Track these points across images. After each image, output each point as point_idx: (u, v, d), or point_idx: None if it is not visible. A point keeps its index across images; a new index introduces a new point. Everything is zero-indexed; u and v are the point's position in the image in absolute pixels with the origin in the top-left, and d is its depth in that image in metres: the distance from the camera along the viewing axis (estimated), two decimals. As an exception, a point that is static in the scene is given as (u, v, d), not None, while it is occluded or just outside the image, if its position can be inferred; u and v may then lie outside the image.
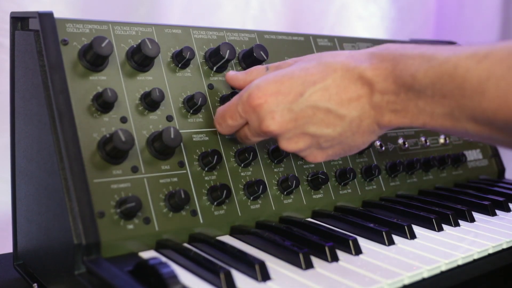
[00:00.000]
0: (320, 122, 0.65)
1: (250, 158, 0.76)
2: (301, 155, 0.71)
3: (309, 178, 0.83)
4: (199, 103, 0.74)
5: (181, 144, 0.72)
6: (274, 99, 0.65)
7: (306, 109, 0.64)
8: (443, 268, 0.67)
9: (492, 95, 0.53)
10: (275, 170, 0.80)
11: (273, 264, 0.64)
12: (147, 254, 0.65)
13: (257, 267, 0.59)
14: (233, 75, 0.77)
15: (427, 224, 0.80)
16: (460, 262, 0.70)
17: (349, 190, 0.88)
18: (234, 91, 0.80)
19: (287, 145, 0.68)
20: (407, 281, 0.63)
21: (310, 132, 0.66)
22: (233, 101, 0.70)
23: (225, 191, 0.71)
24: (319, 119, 0.65)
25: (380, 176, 0.93)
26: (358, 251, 0.69)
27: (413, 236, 0.75)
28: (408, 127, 0.64)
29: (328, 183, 0.85)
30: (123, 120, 0.69)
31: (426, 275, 0.65)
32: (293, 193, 0.81)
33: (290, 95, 0.65)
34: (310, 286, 0.59)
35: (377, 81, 0.62)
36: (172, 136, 0.68)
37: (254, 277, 0.59)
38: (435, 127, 0.61)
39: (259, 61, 0.83)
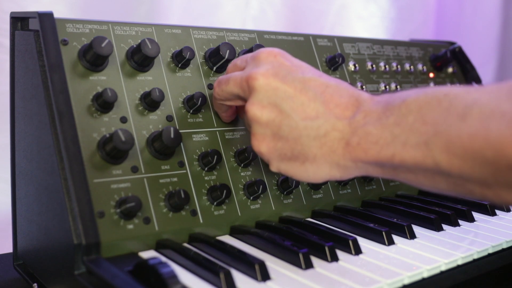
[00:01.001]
0: (298, 106, 0.62)
1: (250, 158, 0.76)
2: (252, 130, 0.66)
3: (309, 178, 0.83)
4: (199, 103, 0.74)
5: (181, 144, 0.72)
6: (281, 61, 0.65)
7: (297, 83, 0.63)
8: (443, 268, 0.67)
9: (473, 120, 0.51)
10: (275, 170, 0.80)
11: (273, 264, 0.64)
12: (147, 254, 0.65)
13: (257, 267, 0.59)
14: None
15: (427, 224, 0.80)
16: (460, 262, 0.70)
17: (349, 190, 0.88)
18: None
19: (253, 104, 0.64)
20: (407, 281, 0.63)
21: (283, 107, 0.62)
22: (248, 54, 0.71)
23: (225, 191, 0.71)
24: (299, 102, 0.62)
25: (380, 176, 0.93)
26: (358, 251, 0.69)
27: (413, 236, 0.75)
28: (371, 162, 0.58)
29: (328, 183, 0.85)
30: (123, 120, 0.69)
31: (426, 275, 0.65)
32: (293, 193, 0.81)
33: (294, 68, 0.64)
34: (310, 286, 0.59)
35: (368, 104, 0.60)
36: (172, 136, 0.68)
37: (254, 277, 0.59)
38: (403, 160, 0.56)
39: (259, 61, 0.83)
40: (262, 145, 0.65)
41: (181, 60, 0.76)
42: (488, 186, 0.52)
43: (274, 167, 0.66)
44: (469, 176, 0.53)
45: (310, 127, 0.61)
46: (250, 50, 0.82)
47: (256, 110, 0.64)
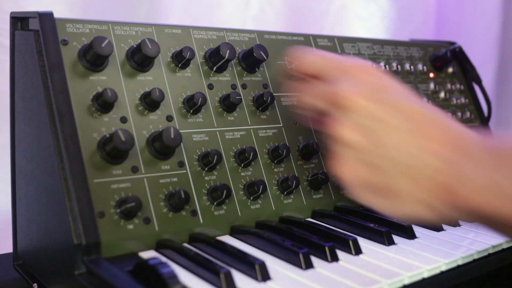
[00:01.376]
0: (394, 136, 0.55)
1: (250, 158, 0.76)
2: (335, 151, 0.60)
3: (309, 178, 0.83)
4: (199, 103, 0.74)
5: (181, 144, 0.72)
6: (371, 80, 0.59)
7: (389, 107, 0.56)
8: (443, 268, 0.67)
9: None
10: (275, 170, 0.80)
11: (273, 264, 0.64)
12: (147, 254, 0.65)
13: (257, 267, 0.59)
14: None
15: (428, 224, 0.80)
16: (460, 262, 0.70)
17: (349, 190, 0.88)
18: (234, 90, 0.80)
19: (342, 127, 0.58)
20: (407, 281, 0.63)
21: (377, 134, 0.56)
22: (337, 56, 0.65)
23: (225, 191, 0.71)
24: (392, 126, 0.55)
25: (380, 176, 0.93)
26: (358, 251, 0.69)
27: (413, 236, 0.75)
28: (475, 214, 0.52)
29: (328, 183, 0.85)
30: (123, 120, 0.69)
31: (426, 275, 0.65)
32: (293, 193, 0.81)
33: (385, 87, 0.59)
34: (310, 286, 0.59)
35: (472, 145, 0.54)
36: (172, 136, 0.68)
37: (254, 277, 0.59)
38: (509, 217, 0.50)
39: (259, 61, 0.83)
40: (345, 170, 0.59)
41: (181, 60, 0.76)
42: None
43: (355, 195, 0.61)
44: None
45: (404, 162, 0.55)
46: (250, 50, 0.82)
47: (346, 132, 0.58)
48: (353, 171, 0.58)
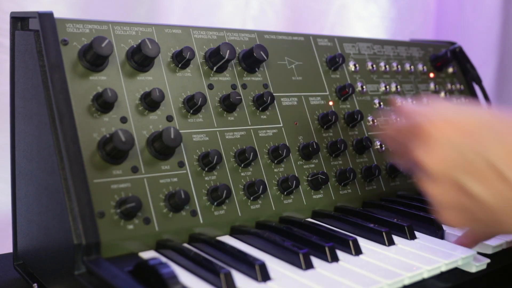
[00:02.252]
0: (483, 181, 0.56)
1: (250, 158, 0.76)
2: (439, 209, 0.62)
3: (309, 178, 0.83)
4: (199, 103, 0.74)
5: (181, 144, 0.72)
6: (450, 137, 0.59)
7: (479, 160, 0.57)
8: (443, 269, 0.67)
9: None
10: (275, 170, 0.80)
11: (273, 264, 0.64)
12: (147, 254, 0.65)
13: (257, 267, 0.59)
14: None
15: (428, 224, 0.79)
16: (460, 263, 0.69)
17: (349, 190, 0.88)
18: (234, 91, 0.80)
19: (437, 192, 0.60)
20: (407, 282, 0.63)
21: (472, 190, 0.57)
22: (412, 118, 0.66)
23: (225, 191, 0.71)
24: (484, 178, 0.56)
25: (380, 176, 0.93)
26: (358, 251, 0.69)
27: (413, 236, 0.75)
28: None
29: (328, 183, 0.85)
30: (123, 120, 0.69)
31: (426, 275, 0.65)
32: (293, 193, 0.81)
33: (467, 138, 0.58)
34: (310, 286, 0.59)
35: None
36: (172, 136, 0.68)
37: (254, 277, 0.59)
38: None
39: (259, 61, 0.83)
40: (454, 223, 0.63)
41: (181, 60, 0.76)
42: None
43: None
44: None
45: (503, 205, 0.57)
46: (250, 50, 0.82)
47: (442, 196, 0.61)
48: (461, 222, 0.63)
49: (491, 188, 0.57)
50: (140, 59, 0.72)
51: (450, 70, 1.18)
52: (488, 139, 0.58)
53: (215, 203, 0.72)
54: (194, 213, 0.70)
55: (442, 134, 0.59)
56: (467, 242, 0.72)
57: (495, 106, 1.43)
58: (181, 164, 0.72)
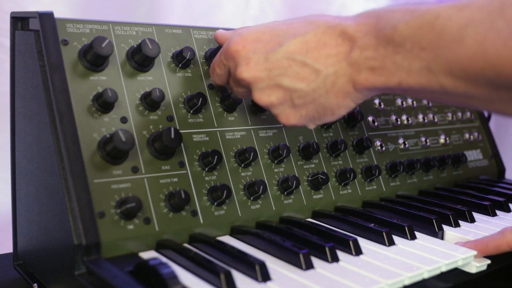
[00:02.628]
0: (295, 75, 0.64)
1: (250, 158, 0.76)
2: (274, 113, 0.69)
3: (309, 178, 0.83)
4: (199, 103, 0.74)
5: (181, 144, 0.72)
6: (252, 46, 0.66)
7: (282, 59, 0.64)
8: (443, 269, 0.67)
9: (470, 41, 0.51)
10: (275, 170, 0.80)
11: (274, 264, 0.64)
12: (147, 255, 0.65)
13: (257, 267, 0.59)
14: (222, 33, 0.79)
15: (428, 225, 0.80)
16: (460, 263, 0.69)
17: (349, 190, 0.88)
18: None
19: (260, 96, 0.67)
20: (407, 282, 0.63)
21: (283, 84, 0.65)
22: (220, 51, 0.73)
23: (225, 191, 0.71)
24: (294, 72, 0.64)
25: (380, 176, 0.93)
26: (358, 251, 0.69)
27: (413, 236, 0.75)
28: (382, 89, 0.62)
29: (328, 183, 0.85)
30: (123, 120, 0.69)
31: (426, 275, 0.65)
32: (293, 193, 0.81)
33: (268, 44, 0.65)
34: (311, 287, 0.59)
35: (359, 37, 0.61)
36: (172, 136, 0.68)
37: (255, 278, 0.59)
38: (411, 86, 0.58)
39: (259, 61, 0.83)
40: (289, 119, 0.69)
41: (181, 60, 0.76)
42: (491, 102, 0.55)
43: (312, 126, 0.72)
44: (473, 95, 0.55)
45: (317, 87, 0.64)
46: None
47: (264, 99, 0.67)
48: (294, 117, 0.68)
49: (299, 78, 0.64)
50: (140, 59, 0.72)
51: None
52: (283, 39, 0.65)
53: (215, 203, 0.72)
54: (194, 213, 0.70)
55: (246, 49, 0.66)
56: (471, 247, 0.72)
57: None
58: (181, 164, 0.72)
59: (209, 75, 0.80)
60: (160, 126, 0.72)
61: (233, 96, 0.78)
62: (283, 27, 0.67)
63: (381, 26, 0.59)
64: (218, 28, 0.84)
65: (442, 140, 1.09)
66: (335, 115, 0.68)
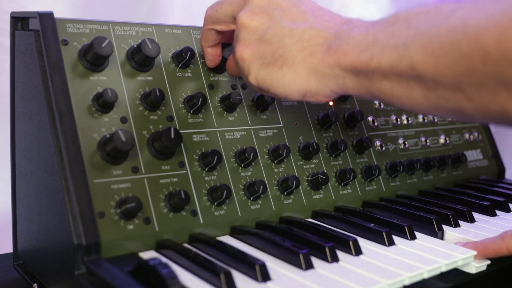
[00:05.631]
0: (288, 14, 0.64)
1: (250, 158, 0.76)
2: (239, 37, 0.67)
3: (309, 178, 0.83)
4: (199, 103, 0.74)
5: (181, 144, 0.72)
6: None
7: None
8: (443, 269, 0.67)
9: (455, 20, 0.51)
10: (275, 170, 0.80)
11: (273, 264, 0.64)
12: (147, 255, 0.65)
13: (257, 267, 0.59)
14: None
15: (427, 225, 0.80)
16: (460, 263, 0.69)
17: (349, 190, 0.88)
18: (235, 91, 0.80)
19: (245, 13, 0.66)
20: (407, 282, 0.63)
21: (273, 15, 0.65)
22: None
23: (225, 191, 0.71)
24: (289, 12, 0.64)
25: (380, 176, 0.93)
26: (358, 251, 0.69)
27: (413, 236, 0.75)
28: (352, 65, 0.59)
29: (328, 183, 0.85)
30: (123, 120, 0.69)
31: (426, 275, 0.65)
32: (293, 193, 0.81)
33: None
34: (311, 287, 0.59)
35: (360, 21, 0.62)
36: (172, 136, 0.68)
37: (254, 278, 0.59)
38: (379, 63, 0.56)
39: (259, 61, 0.83)
40: (245, 50, 0.65)
41: (181, 60, 0.76)
42: (461, 89, 0.52)
43: (253, 77, 0.66)
44: (442, 77, 0.52)
45: (295, 31, 0.63)
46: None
47: (246, 17, 0.66)
48: (251, 50, 0.65)
49: (289, 17, 0.64)
50: (140, 59, 0.72)
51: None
52: None
53: (215, 203, 0.72)
54: (194, 213, 0.70)
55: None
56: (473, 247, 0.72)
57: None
58: (181, 164, 0.72)
59: (209, 75, 0.80)
60: (160, 126, 0.72)
61: (233, 97, 0.78)
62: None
63: (389, 13, 0.60)
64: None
65: (442, 140, 1.09)
66: (280, 74, 0.64)
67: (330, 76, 0.61)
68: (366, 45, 0.58)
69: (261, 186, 0.75)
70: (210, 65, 0.79)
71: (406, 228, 0.75)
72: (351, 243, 0.69)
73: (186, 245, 0.69)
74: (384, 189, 0.94)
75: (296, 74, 0.63)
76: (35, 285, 0.73)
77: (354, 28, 0.60)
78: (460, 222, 0.83)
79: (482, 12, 0.50)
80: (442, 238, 0.79)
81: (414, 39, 0.54)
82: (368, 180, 0.91)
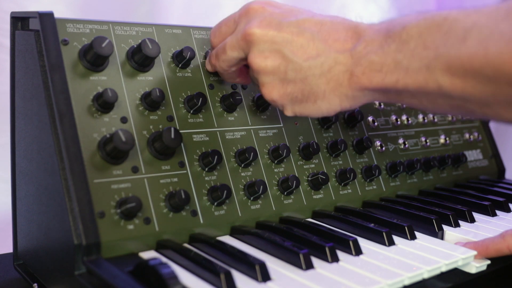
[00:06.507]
0: (298, 47, 0.64)
1: (250, 158, 0.76)
2: (261, 81, 0.68)
3: (309, 178, 0.83)
4: (199, 103, 0.74)
5: (181, 144, 0.72)
6: (271, 10, 0.67)
7: (293, 28, 0.65)
8: (443, 269, 0.67)
9: (473, 41, 0.52)
10: (275, 170, 0.80)
11: (274, 264, 0.64)
12: (147, 255, 0.65)
13: (257, 267, 0.59)
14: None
15: (428, 225, 0.80)
16: (460, 263, 0.70)
17: (349, 190, 0.88)
18: (235, 91, 0.80)
19: (256, 57, 0.67)
20: (407, 282, 0.63)
21: (284, 52, 0.65)
22: (233, 13, 0.73)
23: (225, 191, 0.71)
24: (298, 44, 0.64)
25: (380, 176, 0.93)
26: (358, 251, 0.69)
27: (413, 236, 0.75)
28: (377, 89, 0.62)
29: (328, 183, 0.85)
30: (124, 120, 0.69)
31: (426, 275, 0.65)
32: (293, 193, 0.81)
33: (286, 13, 0.67)
34: (310, 287, 0.59)
35: (368, 33, 0.62)
36: (172, 136, 0.68)
37: (255, 278, 0.59)
38: (407, 85, 0.58)
39: (259, 61, 0.83)
40: (272, 92, 0.68)
41: (181, 60, 0.76)
42: (488, 105, 0.55)
43: (289, 111, 0.69)
44: (470, 96, 0.55)
45: (314, 66, 0.64)
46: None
47: (259, 61, 0.66)
48: (278, 92, 0.67)
49: (301, 51, 0.64)
50: (140, 59, 0.72)
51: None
52: (301, 15, 0.66)
53: (215, 203, 0.72)
54: (194, 213, 0.70)
55: (264, 9, 0.67)
56: (474, 247, 0.72)
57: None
58: (181, 164, 0.72)
59: (209, 75, 0.80)
60: (160, 126, 0.72)
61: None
62: (305, 10, 0.68)
63: (392, 26, 0.60)
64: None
65: (442, 140, 1.09)
66: (316, 106, 0.67)
67: (361, 96, 0.64)
68: (388, 68, 0.59)
69: (261, 186, 0.75)
70: (247, 84, 0.81)
71: (406, 228, 0.75)
72: (351, 243, 0.69)
73: (186, 245, 0.69)
74: (384, 189, 0.94)
75: (330, 103, 0.66)
76: (35, 285, 0.73)
77: (368, 47, 0.61)
78: (460, 222, 0.83)
79: (499, 35, 0.51)
80: (442, 238, 0.79)
81: (435, 61, 0.55)
82: (368, 180, 0.91)
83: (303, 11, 0.68)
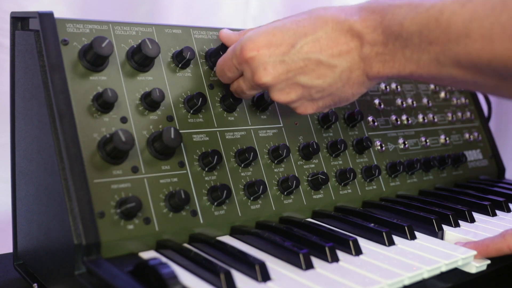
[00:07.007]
0: (311, 73, 0.67)
1: (250, 158, 0.76)
2: (292, 107, 0.72)
3: (309, 178, 0.83)
4: (199, 103, 0.74)
5: (181, 144, 0.72)
6: (266, 51, 0.67)
7: (298, 60, 0.66)
8: (443, 269, 0.67)
9: (476, 36, 0.54)
10: (275, 170, 0.80)
11: (273, 264, 0.64)
12: (147, 255, 0.65)
13: (257, 267, 0.59)
14: (227, 33, 0.80)
15: (427, 225, 0.80)
16: (460, 263, 0.70)
17: (349, 190, 0.88)
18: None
19: (279, 96, 0.70)
20: (407, 282, 0.63)
21: (301, 82, 0.68)
22: (228, 53, 0.73)
23: (225, 191, 0.71)
24: (310, 70, 0.67)
25: (380, 176, 0.93)
26: (358, 251, 0.69)
27: (413, 236, 0.75)
28: (396, 77, 0.66)
29: (328, 183, 0.85)
30: (123, 120, 0.69)
31: (426, 275, 0.65)
32: (293, 193, 0.81)
33: (281, 46, 0.67)
34: (310, 287, 0.59)
35: (367, 33, 0.64)
36: (172, 136, 0.68)
37: (254, 278, 0.59)
38: (422, 76, 0.62)
39: (259, 61, 0.83)
40: (307, 110, 0.73)
41: (181, 60, 0.76)
42: (499, 88, 0.59)
43: (327, 111, 0.80)
44: (481, 84, 0.59)
45: (333, 82, 0.68)
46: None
47: (283, 98, 0.70)
48: (312, 108, 0.73)
49: (316, 75, 0.67)
50: (140, 59, 0.72)
51: (450, 70, 1.18)
52: (294, 40, 0.67)
53: (215, 203, 0.72)
54: (194, 213, 0.70)
55: (260, 54, 0.67)
56: (474, 247, 0.73)
57: (494, 105, 1.43)
58: (181, 164, 0.72)
59: (209, 75, 0.80)
60: (160, 126, 0.72)
61: (233, 90, 0.78)
62: (292, 26, 0.67)
63: (387, 22, 0.62)
64: (218, 28, 0.84)
65: (442, 140, 1.09)
66: (350, 101, 0.72)
67: (380, 80, 0.70)
68: (400, 64, 0.63)
69: (261, 186, 0.75)
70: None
71: (406, 228, 0.75)
72: (351, 243, 0.69)
73: (186, 245, 0.69)
74: (384, 189, 0.94)
75: (359, 95, 0.71)
76: (35, 285, 0.73)
77: (374, 49, 0.64)
78: (460, 222, 0.83)
79: (501, 28, 0.53)
80: (442, 238, 0.79)
81: (443, 56, 0.58)
82: (368, 180, 0.91)
83: (289, 27, 0.67)
